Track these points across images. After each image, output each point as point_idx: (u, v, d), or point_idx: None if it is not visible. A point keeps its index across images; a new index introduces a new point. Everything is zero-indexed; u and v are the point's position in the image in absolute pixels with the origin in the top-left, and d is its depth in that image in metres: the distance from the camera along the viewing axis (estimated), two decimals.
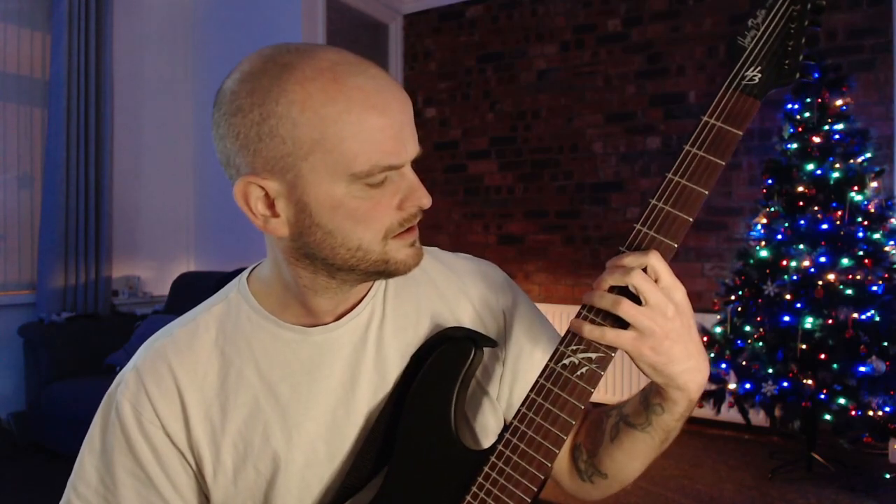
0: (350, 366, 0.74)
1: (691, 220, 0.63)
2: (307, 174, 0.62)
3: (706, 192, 0.63)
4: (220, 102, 0.64)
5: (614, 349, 0.64)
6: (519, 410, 0.66)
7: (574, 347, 0.65)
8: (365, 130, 0.61)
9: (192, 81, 4.14)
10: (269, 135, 0.61)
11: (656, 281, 0.62)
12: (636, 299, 0.62)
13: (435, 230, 4.40)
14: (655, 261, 0.62)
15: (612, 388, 3.66)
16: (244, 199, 0.65)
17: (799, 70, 0.61)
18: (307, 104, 0.60)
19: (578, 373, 0.64)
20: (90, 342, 3.20)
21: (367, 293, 0.76)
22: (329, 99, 0.60)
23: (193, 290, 3.43)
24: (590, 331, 0.63)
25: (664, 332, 0.62)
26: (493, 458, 0.66)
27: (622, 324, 0.63)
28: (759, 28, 0.62)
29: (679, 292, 0.63)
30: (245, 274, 0.78)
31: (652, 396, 0.70)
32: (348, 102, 0.60)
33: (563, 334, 0.67)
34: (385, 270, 0.68)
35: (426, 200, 0.67)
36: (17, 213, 3.36)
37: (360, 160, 0.61)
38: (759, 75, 0.62)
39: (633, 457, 0.74)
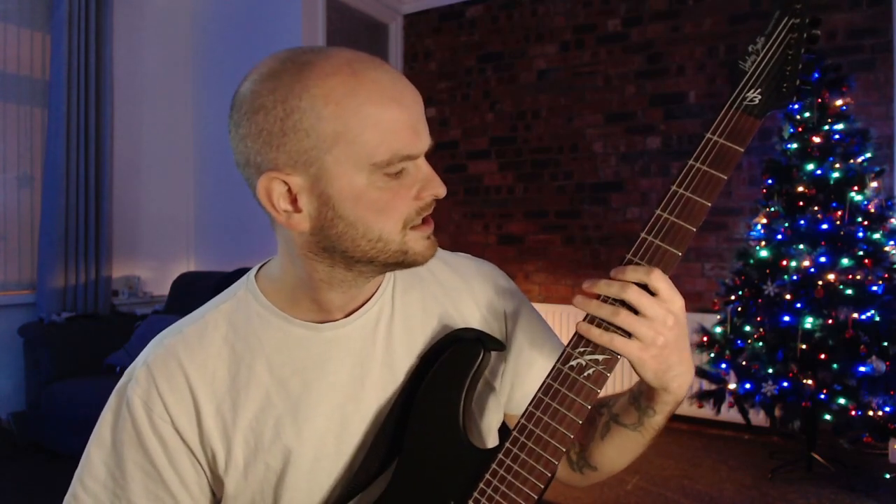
0: (360, 362, 0.75)
1: (694, 229, 0.66)
2: (331, 166, 0.64)
3: (709, 204, 0.66)
4: (240, 104, 0.65)
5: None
6: (527, 410, 0.68)
7: (581, 349, 0.67)
8: (384, 121, 0.63)
9: (192, 81, 4.14)
10: (293, 129, 0.63)
11: (656, 295, 0.64)
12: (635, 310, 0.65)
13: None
14: (656, 279, 0.64)
15: (615, 389, 3.66)
16: (267, 196, 0.66)
17: (796, 93, 0.65)
18: (330, 98, 0.62)
19: (585, 374, 0.66)
20: (90, 342, 3.20)
21: (376, 291, 0.78)
22: (350, 92, 0.62)
23: (193, 290, 3.43)
24: (599, 335, 0.65)
25: (665, 342, 0.65)
26: (500, 456, 0.67)
27: (626, 333, 0.65)
28: (759, 53, 0.66)
29: (677, 303, 0.65)
30: (252, 272, 0.79)
31: (643, 399, 0.73)
32: (368, 95, 0.63)
33: (561, 333, 0.69)
34: (403, 261, 0.70)
35: (441, 190, 0.69)
36: (17, 213, 3.35)
37: (381, 150, 0.63)
38: (760, 97, 0.66)
39: (622, 453, 0.78)
